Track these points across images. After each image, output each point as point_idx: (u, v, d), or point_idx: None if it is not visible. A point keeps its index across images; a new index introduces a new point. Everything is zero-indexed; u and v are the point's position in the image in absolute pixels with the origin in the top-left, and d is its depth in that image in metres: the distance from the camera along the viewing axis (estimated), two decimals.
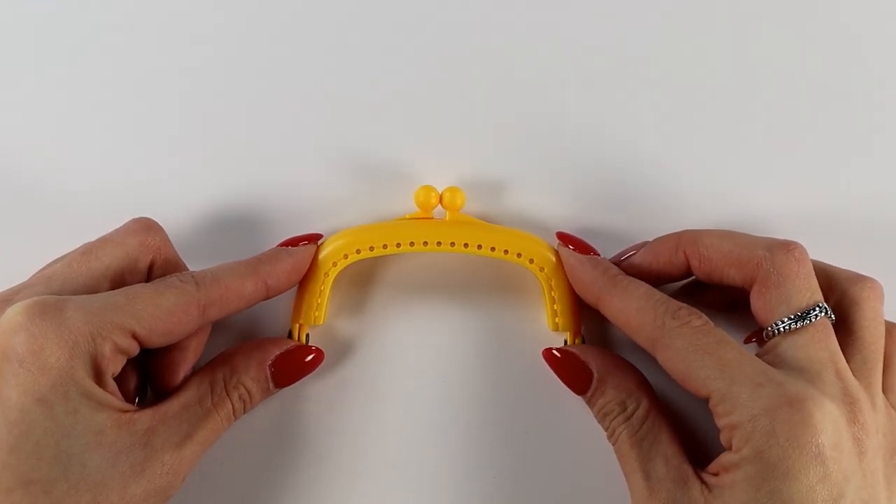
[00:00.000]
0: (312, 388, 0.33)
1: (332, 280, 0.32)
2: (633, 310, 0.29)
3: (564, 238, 0.32)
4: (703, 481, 0.27)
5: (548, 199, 0.34)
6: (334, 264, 0.32)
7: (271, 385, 0.31)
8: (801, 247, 0.29)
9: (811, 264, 0.29)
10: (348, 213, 0.34)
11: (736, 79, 0.35)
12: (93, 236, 0.30)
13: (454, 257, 0.33)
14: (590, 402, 0.31)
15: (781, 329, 0.28)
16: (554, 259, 0.32)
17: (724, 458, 0.27)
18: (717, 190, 0.34)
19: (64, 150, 0.35)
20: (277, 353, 0.31)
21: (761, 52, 0.35)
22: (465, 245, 0.31)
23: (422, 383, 0.33)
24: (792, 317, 0.28)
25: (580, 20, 0.35)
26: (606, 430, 0.30)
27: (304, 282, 0.32)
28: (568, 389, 0.32)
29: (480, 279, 0.34)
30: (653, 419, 0.29)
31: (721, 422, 0.27)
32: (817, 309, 0.28)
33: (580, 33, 0.35)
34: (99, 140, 0.35)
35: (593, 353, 0.31)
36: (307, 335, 0.32)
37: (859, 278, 0.30)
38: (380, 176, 0.34)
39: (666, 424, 0.29)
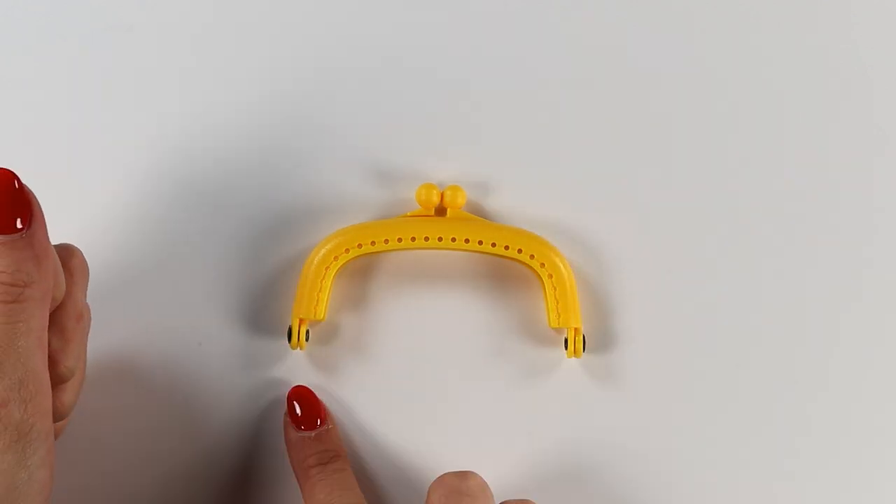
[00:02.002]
0: (312, 384, 0.33)
1: (332, 275, 0.32)
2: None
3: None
4: None
5: (549, 197, 0.34)
6: (335, 258, 0.32)
7: None
8: None
9: None
10: (350, 211, 0.34)
11: (736, 79, 0.35)
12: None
13: (455, 254, 0.33)
14: None
15: None
16: (554, 256, 0.32)
17: None
18: (717, 191, 0.34)
19: (62, 150, 0.35)
20: None
21: (762, 52, 0.35)
22: (466, 241, 0.32)
23: (421, 380, 0.33)
24: None
25: (582, 22, 0.35)
26: None
27: (305, 276, 0.32)
28: (569, 388, 0.32)
29: (481, 276, 0.34)
30: None
31: None
32: None
33: (581, 34, 0.35)
34: (99, 137, 0.35)
35: None
36: (307, 331, 0.32)
37: None
38: (381, 174, 0.34)
39: None
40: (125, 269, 0.33)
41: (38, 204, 0.25)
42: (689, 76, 0.35)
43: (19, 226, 0.25)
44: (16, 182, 0.25)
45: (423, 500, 0.29)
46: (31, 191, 0.25)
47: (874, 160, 0.34)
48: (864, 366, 0.33)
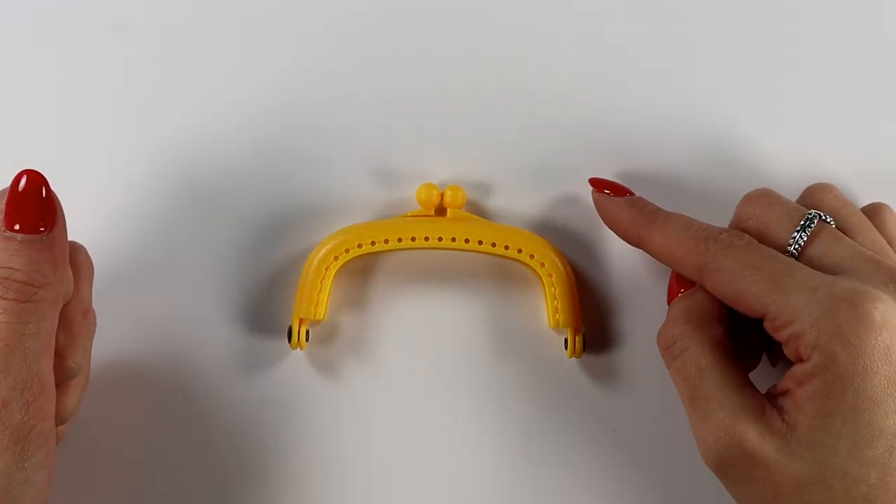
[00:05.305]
0: (312, 384, 0.33)
1: (332, 275, 0.32)
2: (676, 241, 0.29)
3: (598, 183, 0.32)
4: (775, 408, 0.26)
5: (549, 197, 0.34)
6: (335, 259, 0.32)
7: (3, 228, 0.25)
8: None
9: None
10: (350, 211, 0.34)
11: (735, 79, 0.35)
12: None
13: (455, 254, 0.33)
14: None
15: (800, 242, 0.28)
16: (554, 256, 0.32)
17: (797, 369, 0.26)
18: (717, 191, 0.34)
19: (62, 150, 0.35)
20: None
21: (763, 52, 0.35)
22: (466, 241, 0.32)
23: (421, 380, 0.33)
24: (798, 227, 0.28)
25: (581, 22, 0.35)
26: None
27: (305, 276, 0.32)
28: (569, 388, 0.32)
29: (481, 276, 0.34)
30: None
31: (782, 334, 0.26)
32: (812, 214, 0.28)
33: (581, 34, 0.35)
34: (99, 138, 0.35)
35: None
36: (307, 331, 0.32)
37: (812, 188, 0.31)
38: (381, 174, 0.34)
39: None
40: (125, 269, 0.33)
41: (62, 209, 0.26)
42: (688, 75, 0.35)
43: (41, 228, 0.25)
44: (44, 189, 0.26)
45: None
46: (56, 196, 0.26)
47: (876, 161, 0.35)
48: None
